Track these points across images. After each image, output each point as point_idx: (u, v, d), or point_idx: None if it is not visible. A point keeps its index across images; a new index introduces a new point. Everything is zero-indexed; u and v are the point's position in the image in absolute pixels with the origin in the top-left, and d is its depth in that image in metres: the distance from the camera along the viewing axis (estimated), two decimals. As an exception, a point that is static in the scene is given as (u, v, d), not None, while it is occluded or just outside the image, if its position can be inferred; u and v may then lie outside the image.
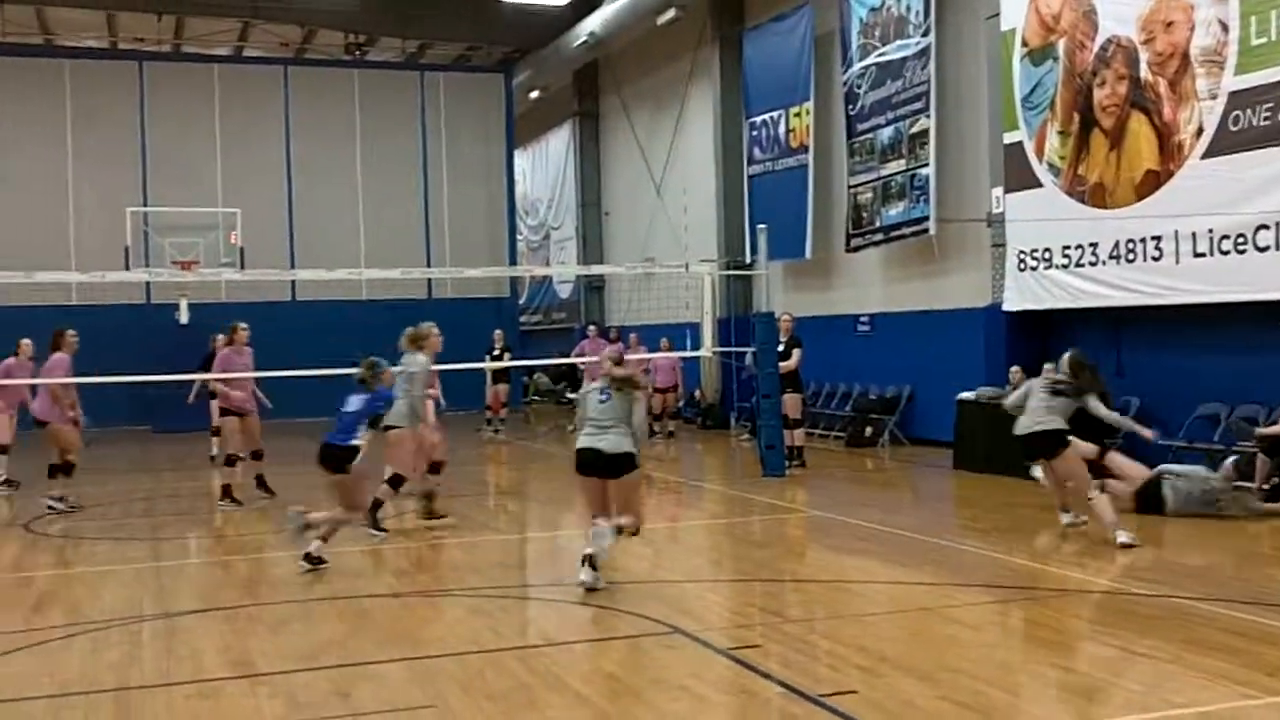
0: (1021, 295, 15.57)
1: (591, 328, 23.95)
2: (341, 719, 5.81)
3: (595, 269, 27.54)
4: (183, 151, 26.23)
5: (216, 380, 13.57)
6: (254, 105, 26.98)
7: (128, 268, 22.99)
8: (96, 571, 9.97)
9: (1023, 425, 10.56)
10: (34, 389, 13.74)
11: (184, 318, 23.48)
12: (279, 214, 26.78)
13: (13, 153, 25.31)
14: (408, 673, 6.56)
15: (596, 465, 8.55)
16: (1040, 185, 15.15)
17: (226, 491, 13.20)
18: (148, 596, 8.96)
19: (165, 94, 26.32)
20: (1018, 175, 15.52)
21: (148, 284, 24.16)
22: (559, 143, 32.43)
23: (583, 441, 8.64)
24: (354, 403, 9.92)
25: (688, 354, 20.28)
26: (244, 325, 13.58)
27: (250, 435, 13.50)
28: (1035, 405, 10.54)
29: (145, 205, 25.49)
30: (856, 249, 19.23)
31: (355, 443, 9.69)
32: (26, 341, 14.46)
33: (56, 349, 13.32)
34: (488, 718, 5.73)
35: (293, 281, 25.25)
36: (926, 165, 17.32)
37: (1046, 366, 14.38)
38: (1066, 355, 10.90)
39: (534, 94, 29.79)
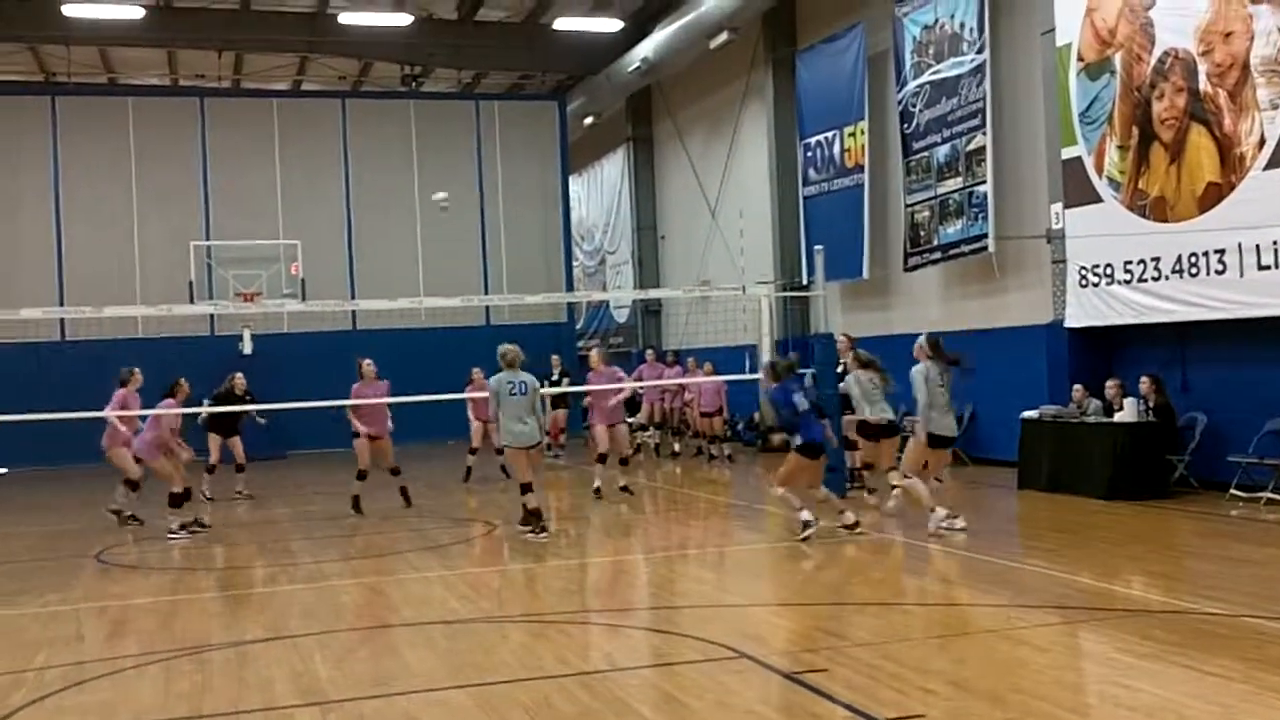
0: (1084, 312, 15.42)
1: (649, 351, 24.02)
2: (410, 746, 5.86)
3: (652, 293, 27.60)
4: (244, 185, 26.65)
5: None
6: (313, 138, 27.37)
7: (192, 301, 23.41)
8: (166, 601, 10.12)
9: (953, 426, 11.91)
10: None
11: (248, 348, 23.88)
12: (339, 244, 27.12)
13: (80, 190, 25.84)
14: (474, 699, 6.60)
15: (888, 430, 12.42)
16: (1100, 200, 15.02)
17: (355, 503, 14.92)
18: (217, 625, 9.09)
19: (226, 129, 26.76)
20: (1077, 190, 15.39)
21: (212, 316, 24.54)
22: (613, 168, 32.60)
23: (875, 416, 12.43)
24: (801, 401, 11.46)
25: (745, 376, 20.21)
26: (368, 361, 15.33)
27: (383, 455, 15.18)
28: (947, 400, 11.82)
29: (208, 239, 25.93)
30: (914, 268, 19.14)
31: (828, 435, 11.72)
32: (137, 370, 14.60)
33: (172, 395, 14.00)
34: (555, 744, 5.75)
35: (353, 311, 25.54)
36: (984, 182, 17.23)
37: (1078, 389, 14.40)
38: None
39: (588, 120, 29.98)
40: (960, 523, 11.69)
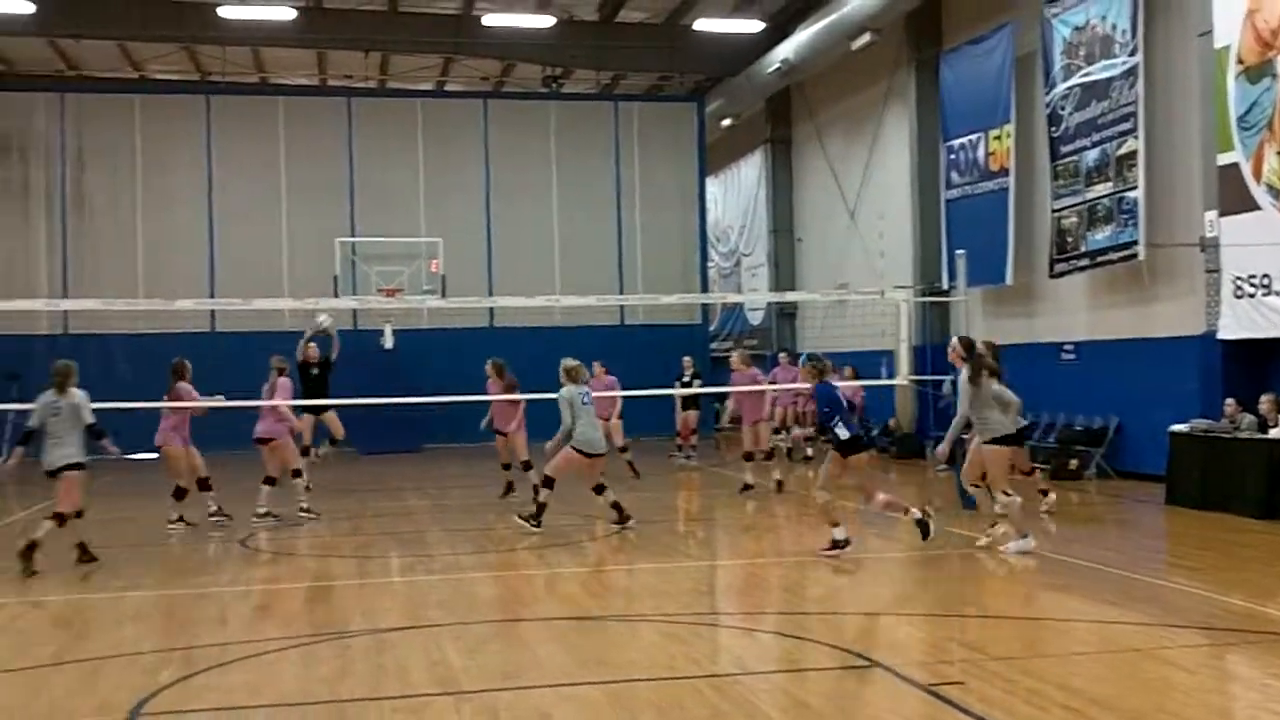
0: (1239, 323, 14.86)
1: (782, 354, 23.83)
2: (542, 739, 5.90)
3: (788, 296, 27.41)
4: (388, 183, 27.23)
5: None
6: (455, 138, 27.84)
7: (336, 295, 23.95)
8: (307, 587, 10.37)
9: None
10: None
11: (388, 343, 24.38)
12: (478, 242, 27.52)
13: (232, 186, 26.70)
14: (606, 695, 6.62)
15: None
16: (1258, 208, 14.45)
17: (509, 489, 15.81)
18: (356, 612, 9.29)
19: (371, 128, 27.38)
20: (1233, 197, 14.84)
21: (354, 311, 25.11)
22: (751, 169, 32.48)
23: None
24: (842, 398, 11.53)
25: (882, 382, 19.96)
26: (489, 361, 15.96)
27: (509, 451, 15.82)
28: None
29: (353, 235, 26.53)
30: (1060, 274, 18.67)
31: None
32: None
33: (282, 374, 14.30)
34: (686, 744, 5.73)
35: (490, 308, 25.91)
36: (1135, 188, 16.71)
37: (1231, 403, 13.85)
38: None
39: (726, 121, 29.91)
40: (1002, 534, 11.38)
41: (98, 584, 10.52)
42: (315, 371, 16.51)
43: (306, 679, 7.22)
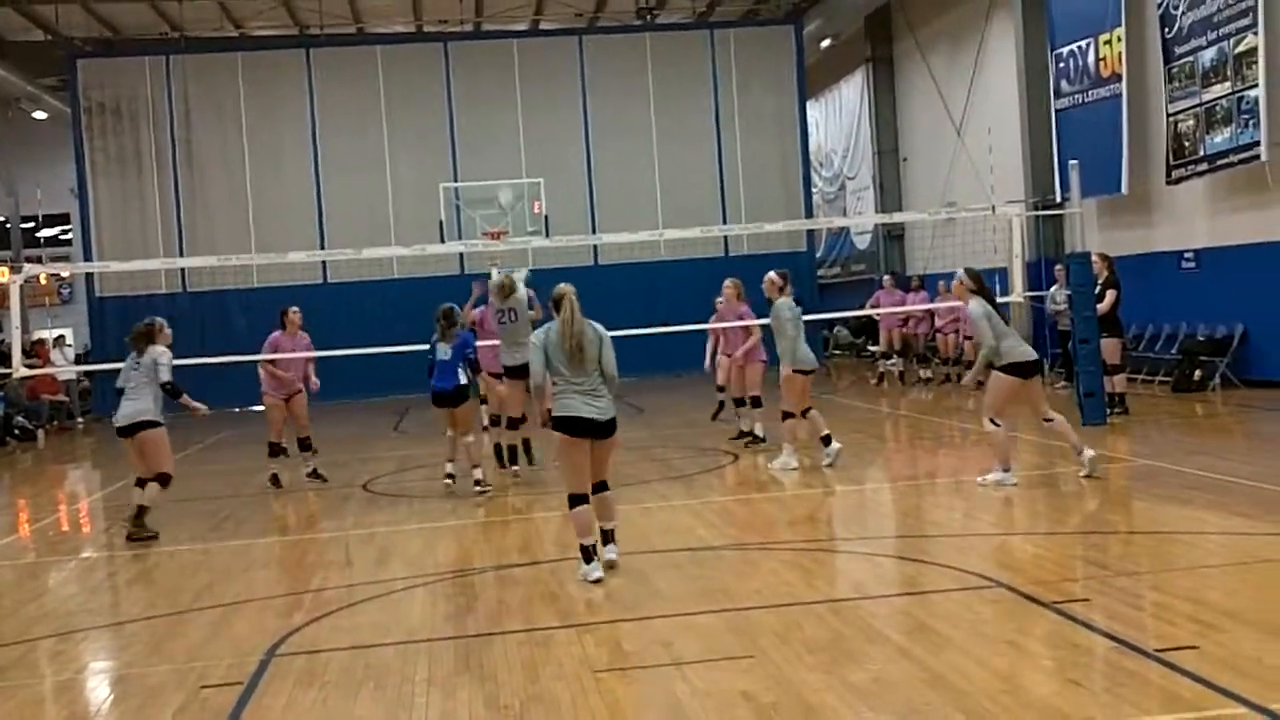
0: (1369, 221, 14.25)
1: (887, 278, 23.50)
2: (664, 667, 5.95)
3: (895, 217, 26.94)
4: (488, 126, 27.28)
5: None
6: (552, 76, 27.74)
7: (443, 241, 24.15)
8: (428, 528, 10.56)
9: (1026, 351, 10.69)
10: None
11: (496, 285, 24.53)
12: (579, 180, 27.48)
13: (336, 138, 27.01)
14: (726, 624, 6.65)
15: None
16: (1389, 98, 13.78)
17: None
18: (476, 551, 9.44)
19: (469, 72, 27.41)
20: (1362, 89, 14.17)
21: (461, 255, 25.30)
22: (852, 91, 31.89)
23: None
24: None
25: (1001, 299, 19.52)
26: None
27: None
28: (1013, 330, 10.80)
29: (456, 180, 26.68)
30: (1178, 180, 18.08)
31: None
32: (296, 310, 13.59)
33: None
34: (808, 669, 5.73)
35: (594, 246, 25.90)
36: (1255, 86, 16.04)
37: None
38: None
39: (825, 43, 29.35)
40: (1086, 460, 10.44)
41: (228, 532, 10.84)
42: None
43: (432, 616, 7.37)
